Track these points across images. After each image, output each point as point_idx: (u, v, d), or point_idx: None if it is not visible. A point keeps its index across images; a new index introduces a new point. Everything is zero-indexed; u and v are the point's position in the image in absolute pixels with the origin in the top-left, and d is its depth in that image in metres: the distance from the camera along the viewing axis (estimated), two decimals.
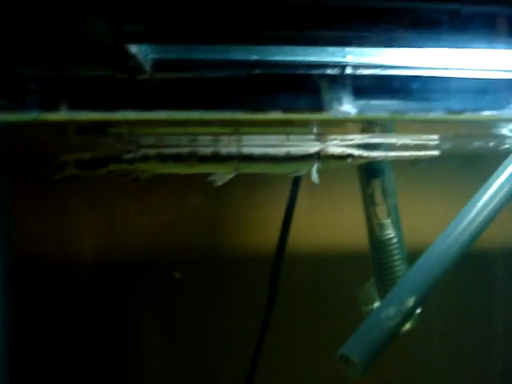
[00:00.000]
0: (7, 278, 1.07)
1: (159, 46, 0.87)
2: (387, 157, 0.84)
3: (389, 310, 0.81)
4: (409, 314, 0.82)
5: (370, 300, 0.91)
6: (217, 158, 0.80)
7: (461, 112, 0.87)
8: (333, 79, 0.98)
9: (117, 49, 0.81)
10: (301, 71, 0.95)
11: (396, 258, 0.90)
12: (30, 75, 0.99)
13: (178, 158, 0.81)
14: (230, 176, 0.80)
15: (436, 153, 0.80)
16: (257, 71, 0.94)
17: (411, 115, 0.86)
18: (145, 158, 0.81)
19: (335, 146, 0.82)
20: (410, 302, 0.79)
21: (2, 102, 0.97)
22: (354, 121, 0.87)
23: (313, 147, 0.82)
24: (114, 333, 1.26)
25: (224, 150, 0.80)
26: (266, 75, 0.96)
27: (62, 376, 1.24)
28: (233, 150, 0.81)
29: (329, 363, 0.87)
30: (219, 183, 0.81)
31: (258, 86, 1.02)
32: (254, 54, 0.90)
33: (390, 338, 0.82)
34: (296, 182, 1.03)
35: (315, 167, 0.80)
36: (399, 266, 0.90)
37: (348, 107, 0.99)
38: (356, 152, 0.81)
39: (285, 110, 1.07)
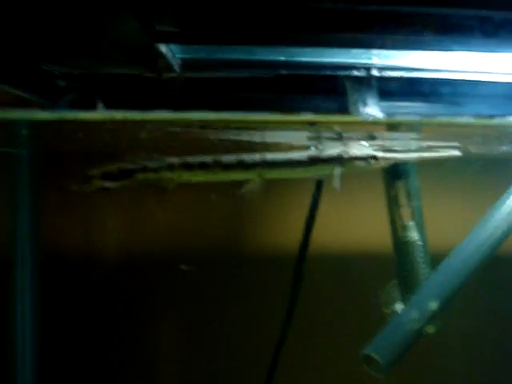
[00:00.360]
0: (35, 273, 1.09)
1: (188, 46, 0.89)
2: (410, 158, 0.84)
3: (412, 312, 0.81)
4: (432, 317, 0.82)
5: (391, 301, 0.91)
6: (241, 166, 0.82)
7: (488, 117, 0.87)
8: (359, 80, 0.99)
9: (147, 48, 0.82)
10: (327, 72, 0.96)
11: (419, 260, 0.89)
12: (62, 73, 1.02)
13: (202, 166, 0.82)
14: (257, 186, 0.80)
15: (459, 154, 0.80)
16: (283, 72, 0.95)
17: (438, 120, 0.85)
18: (170, 167, 0.82)
19: (358, 148, 0.82)
20: (434, 305, 0.79)
21: (35, 99, 1.00)
22: (381, 123, 0.87)
23: (335, 150, 0.82)
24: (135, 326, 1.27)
25: (248, 158, 0.81)
26: (293, 76, 0.97)
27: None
28: (256, 156, 0.81)
29: (350, 361, 0.88)
30: (248, 196, 0.81)
31: (284, 87, 1.03)
32: (282, 55, 0.91)
33: (413, 340, 0.82)
34: (319, 185, 1.04)
35: (337, 171, 0.80)
36: (422, 268, 0.90)
37: (374, 109, 1.00)
38: (379, 154, 0.81)
39: (314, 111, 1.08)
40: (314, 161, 0.82)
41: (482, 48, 0.86)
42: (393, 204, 0.90)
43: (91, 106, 1.04)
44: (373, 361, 0.81)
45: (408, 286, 0.90)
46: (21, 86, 0.96)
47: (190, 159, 0.81)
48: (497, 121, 0.84)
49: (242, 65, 0.94)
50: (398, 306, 0.89)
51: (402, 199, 0.89)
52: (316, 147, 0.85)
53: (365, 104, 1.01)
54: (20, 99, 1.01)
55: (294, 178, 0.84)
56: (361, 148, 0.82)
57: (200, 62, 0.94)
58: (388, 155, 0.82)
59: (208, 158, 0.81)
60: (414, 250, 0.89)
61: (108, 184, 0.81)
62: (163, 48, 0.84)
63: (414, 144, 0.90)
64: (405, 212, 0.89)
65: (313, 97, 1.06)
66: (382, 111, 1.01)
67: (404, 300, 0.90)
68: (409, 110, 1.08)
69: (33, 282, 1.08)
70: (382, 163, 0.82)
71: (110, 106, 1.07)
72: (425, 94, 1.04)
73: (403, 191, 0.89)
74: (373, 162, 0.81)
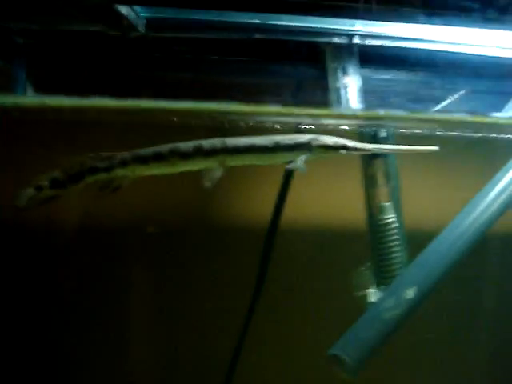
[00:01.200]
0: None
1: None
2: (383, 149, 0.77)
3: (388, 300, 0.76)
4: (410, 307, 0.77)
5: (364, 285, 0.86)
6: (200, 154, 0.74)
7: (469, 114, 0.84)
8: (339, 48, 0.93)
9: (106, 8, 0.75)
10: (305, 38, 0.90)
11: (395, 243, 0.85)
12: (20, 29, 0.94)
13: (158, 158, 0.74)
14: (219, 175, 0.73)
15: (436, 148, 0.74)
16: (258, 36, 0.88)
17: (419, 115, 0.81)
18: (122, 163, 0.74)
19: (328, 136, 0.76)
20: (411, 293, 0.74)
21: None
22: (361, 117, 0.82)
23: (304, 136, 0.76)
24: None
25: (208, 145, 0.74)
26: (269, 41, 0.90)
27: None
28: (217, 143, 0.74)
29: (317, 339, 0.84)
30: (210, 186, 0.74)
31: (258, 52, 0.96)
32: (257, 18, 0.84)
33: (389, 333, 0.77)
34: (288, 174, 0.98)
35: (302, 157, 0.74)
36: (398, 251, 0.85)
37: (354, 78, 0.94)
38: (350, 143, 0.75)
39: (289, 78, 1.02)
40: (280, 148, 0.75)
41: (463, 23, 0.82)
42: (369, 183, 0.85)
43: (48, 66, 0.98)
44: (341, 361, 0.77)
45: (382, 270, 0.86)
46: None
47: (143, 152, 0.74)
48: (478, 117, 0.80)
49: (213, 26, 0.87)
50: (371, 291, 0.85)
51: (380, 178, 0.84)
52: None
53: (344, 72, 0.95)
54: None
55: (260, 165, 0.77)
56: (331, 136, 0.76)
57: (167, 22, 0.87)
58: (359, 145, 0.76)
59: (163, 148, 0.74)
60: (390, 231, 0.84)
61: (57, 192, 0.74)
62: (123, 9, 0.77)
63: None
64: (382, 192, 0.84)
65: (289, 63, 1.00)
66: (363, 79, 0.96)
67: (377, 284, 0.85)
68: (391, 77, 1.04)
69: None
70: (353, 153, 0.76)
71: (71, 63, 1.01)
72: (407, 64, 0.99)
73: (381, 170, 0.84)
74: (343, 151, 0.75)
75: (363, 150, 0.76)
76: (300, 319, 1.21)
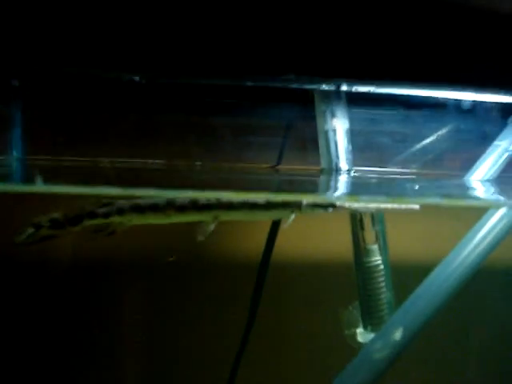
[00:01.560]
0: None
1: None
2: (369, 208, 0.81)
3: (377, 342, 0.80)
4: (397, 347, 0.80)
5: (353, 323, 0.90)
6: (195, 207, 0.77)
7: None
8: (327, 93, 0.96)
9: None
10: (295, 85, 0.93)
11: (381, 284, 0.88)
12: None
13: (154, 209, 0.77)
14: (212, 227, 0.77)
15: (417, 207, 0.78)
16: (249, 83, 0.92)
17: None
18: (120, 211, 0.77)
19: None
20: (398, 335, 0.78)
21: None
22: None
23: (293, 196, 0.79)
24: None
25: (203, 200, 0.77)
26: (261, 87, 0.94)
27: None
28: (211, 199, 0.77)
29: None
30: (202, 238, 0.78)
31: (251, 96, 0.99)
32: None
33: (379, 373, 0.80)
34: (275, 225, 1.01)
35: (293, 216, 0.78)
36: (384, 292, 0.88)
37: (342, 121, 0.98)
38: (337, 202, 0.78)
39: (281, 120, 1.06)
40: (272, 205, 0.78)
41: None
42: (357, 227, 0.88)
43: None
44: None
45: (369, 309, 0.89)
46: None
47: (142, 202, 0.77)
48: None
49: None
50: (360, 330, 0.88)
51: (367, 223, 0.88)
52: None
53: (333, 115, 0.99)
54: None
55: (251, 220, 0.80)
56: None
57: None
58: (347, 204, 0.79)
59: (160, 201, 0.77)
60: (376, 274, 0.88)
61: (54, 232, 0.77)
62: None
63: None
64: (368, 235, 0.87)
65: (280, 105, 1.03)
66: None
67: (364, 324, 0.89)
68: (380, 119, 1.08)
69: None
70: (340, 211, 0.80)
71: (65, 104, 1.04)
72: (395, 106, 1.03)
73: (368, 215, 0.87)
74: (331, 209, 0.79)
75: (349, 208, 0.79)
76: (290, 359, 1.24)
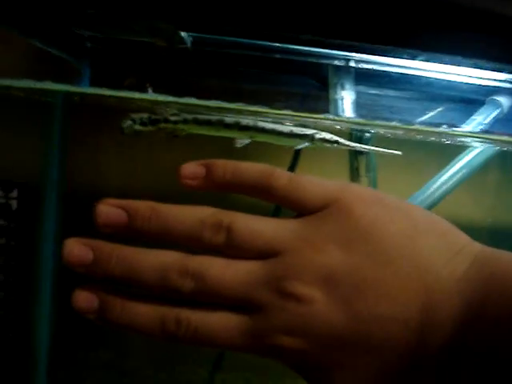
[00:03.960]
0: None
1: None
2: (363, 148, 1.04)
3: None
4: None
5: None
6: (237, 127, 1.02)
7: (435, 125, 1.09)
8: (339, 68, 1.19)
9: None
10: (314, 60, 1.16)
11: None
12: (89, 36, 1.20)
13: (209, 123, 1.03)
14: (247, 141, 1.01)
15: (399, 153, 1.00)
16: (277, 56, 1.14)
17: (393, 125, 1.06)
18: (185, 121, 1.02)
19: (326, 133, 1.03)
20: None
21: (65, 57, 1.19)
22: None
23: (310, 130, 1.03)
24: None
25: (244, 122, 1.01)
26: (285, 60, 1.16)
27: None
28: (250, 122, 1.01)
29: None
30: (239, 146, 1.01)
31: (275, 67, 1.23)
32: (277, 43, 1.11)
33: None
34: (297, 153, 1.28)
35: (306, 144, 1.01)
36: None
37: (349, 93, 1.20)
38: (341, 140, 1.01)
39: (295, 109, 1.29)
40: (292, 135, 1.02)
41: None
42: (354, 174, 1.11)
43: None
44: None
45: None
46: (57, 46, 1.16)
47: (200, 117, 1.02)
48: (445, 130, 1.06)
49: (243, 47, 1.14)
50: None
51: (362, 170, 1.10)
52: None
53: (342, 87, 1.22)
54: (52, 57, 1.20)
55: (276, 143, 1.04)
56: (329, 133, 1.03)
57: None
58: (347, 142, 1.03)
59: (213, 117, 1.02)
60: None
61: (141, 128, 1.01)
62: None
63: None
64: (363, 181, 1.10)
65: (299, 77, 1.27)
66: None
67: None
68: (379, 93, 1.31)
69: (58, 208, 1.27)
70: (342, 147, 1.03)
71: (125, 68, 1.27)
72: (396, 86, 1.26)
73: (363, 164, 1.10)
74: (335, 145, 1.02)
75: (349, 146, 1.03)
76: None
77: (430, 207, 1.06)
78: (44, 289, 1.27)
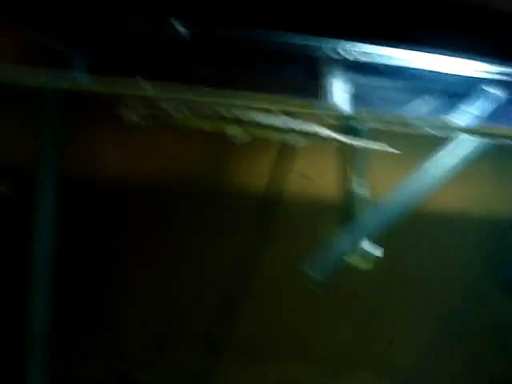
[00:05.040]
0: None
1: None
2: (357, 145, 1.09)
3: (343, 243, 1.17)
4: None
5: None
6: (234, 121, 1.05)
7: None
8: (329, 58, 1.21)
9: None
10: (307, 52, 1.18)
11: (358, 203, 1.19)
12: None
13: (207, 117, 1.04)
14: (247, 139, 1.04)
15: (395, 151, 1.06)
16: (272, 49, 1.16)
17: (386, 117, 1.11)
18: (183, 114, 1.05)
19: (322, 129, 1.08)
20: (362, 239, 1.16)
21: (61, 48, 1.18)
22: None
23: (310, 127, 1.08)
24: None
25: (242, 116, 1.05)
26: (279, 52, 1.18)
27: None
28: (248, 117, 1.05)
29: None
30: (239, 142, 1.04)
31: (272, 59, 1.24)
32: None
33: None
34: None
35: (302, 141, 1.06)
36: (359, 209, 1.20)
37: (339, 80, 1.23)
38: (339, 137, 1.07)
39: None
40: (289, 130, 1.06)
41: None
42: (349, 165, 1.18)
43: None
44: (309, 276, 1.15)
45: (346, 218, 1.22)
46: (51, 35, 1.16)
47: (198, 110, 1.05)
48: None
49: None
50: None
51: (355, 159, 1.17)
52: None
53: (334, 77, 1.25)
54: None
55: (271, 138, 1.08)
56: (324, 129, 1.07)
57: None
58: (341, 139, 1.08)
59: (210, 112, 1.05)
60: (357, 196, 1.18)
61: (139, 119, 1.05)
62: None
63: None
64: (357, 171, 1.17)
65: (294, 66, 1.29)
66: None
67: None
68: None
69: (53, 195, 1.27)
70: (335, 143, 1.09)
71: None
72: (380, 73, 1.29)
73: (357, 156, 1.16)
74: (334, 142, 1.07)
75: (346, 143, 1.09)
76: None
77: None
78: (40, 275, 1.27)
